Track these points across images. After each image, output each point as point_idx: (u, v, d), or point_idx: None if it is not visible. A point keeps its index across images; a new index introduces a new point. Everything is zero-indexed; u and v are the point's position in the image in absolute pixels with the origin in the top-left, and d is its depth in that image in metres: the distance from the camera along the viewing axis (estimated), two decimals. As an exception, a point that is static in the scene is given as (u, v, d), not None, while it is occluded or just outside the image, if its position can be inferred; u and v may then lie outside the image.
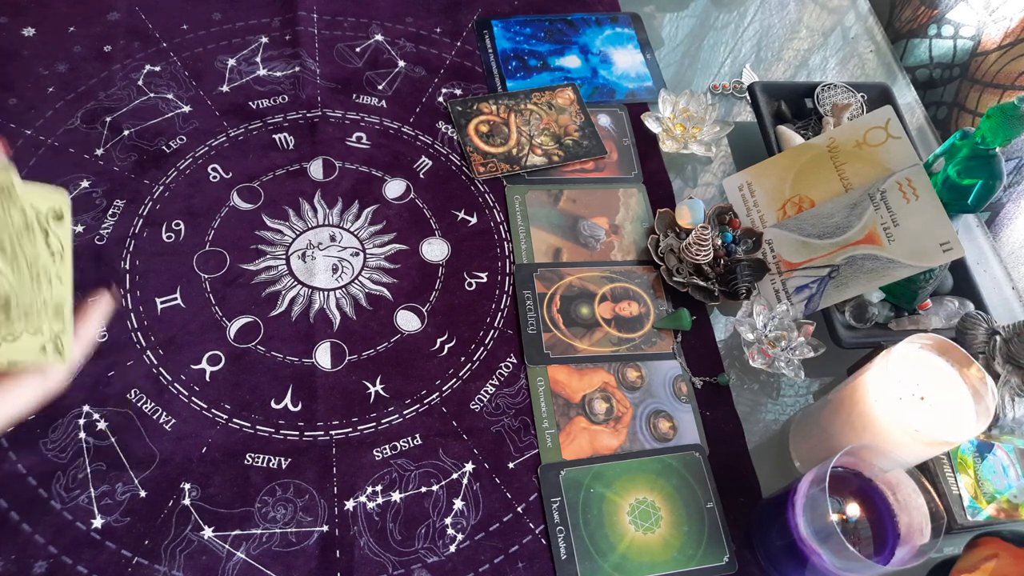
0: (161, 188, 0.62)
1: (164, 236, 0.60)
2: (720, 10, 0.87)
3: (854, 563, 0.44)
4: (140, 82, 0.68)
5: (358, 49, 0.74)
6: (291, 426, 0.53)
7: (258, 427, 0.53)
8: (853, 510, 0.48)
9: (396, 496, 0.51)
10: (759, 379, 0.61)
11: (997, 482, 0.55)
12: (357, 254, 0.62)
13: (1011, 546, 0.47)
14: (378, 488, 0.52)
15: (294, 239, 0.61)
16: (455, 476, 0.53)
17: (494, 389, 0.57)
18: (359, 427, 0.54)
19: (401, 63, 0.73)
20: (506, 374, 0.58)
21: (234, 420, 0.53)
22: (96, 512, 0.48)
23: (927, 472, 0.55)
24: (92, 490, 0.49)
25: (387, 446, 0.53)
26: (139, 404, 0.52)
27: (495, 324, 0.60)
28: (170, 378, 0.54)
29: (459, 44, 0.76)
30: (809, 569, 0.48)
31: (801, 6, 0.89)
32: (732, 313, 0.64)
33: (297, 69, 0.70)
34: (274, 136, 0.67)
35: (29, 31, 0.69)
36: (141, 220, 0.60)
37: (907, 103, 0.81)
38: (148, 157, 0.63)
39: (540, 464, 0.54)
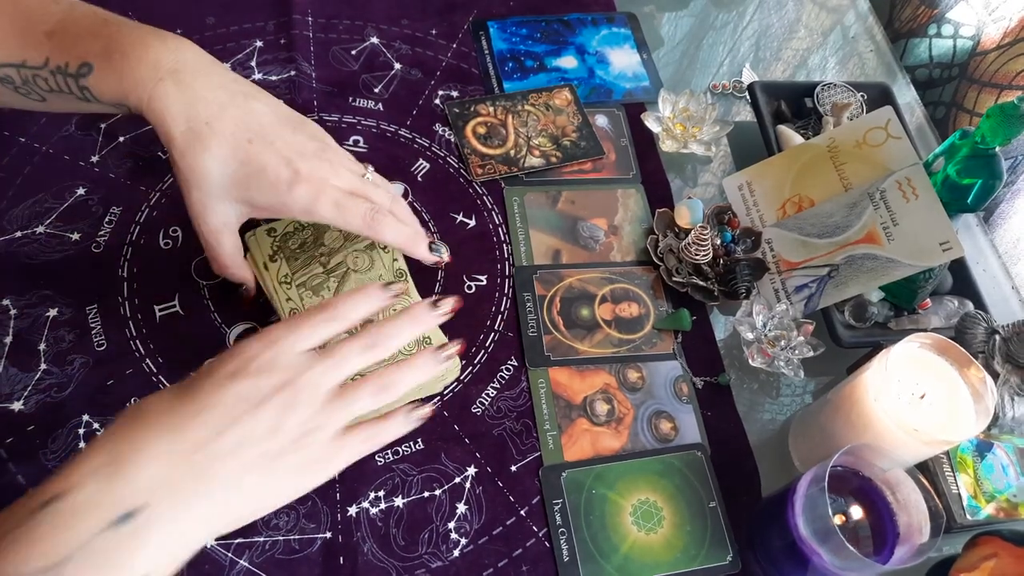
0: (157, 195, 0.62)
1: (161, 243, 0.60)
2: (719, 9, 0.86)
3: (854, 562, 0.44)
4: (135, 87, 0.67)
5: (353, 52, 0.73)
6: (292, 432, 0.53)
7: (259, 434, 0.53)
8: (853, 510, 0.48)
9: (399, 501, 0.51)
10: (759, 379, 0.61)
11: (997, 481, 0.55)
12: (356, 258, 0.61)
13: (1010, 545, 0.47)
14: (380, 493, 0.52)
15: (293, 244, 0.61)
16: (457, 480, 0.53)
17: (495, 392, 0.57)
18: (360, 432, 0.54)
19: (397, 65, 0.73)
20: (507, 377, 0.58)
21: (235, 427, 0.53)
22: (98, 521, 0.48)
23: (927, 472, 0.55)
24: (94, 499, 0.49)
25: (389, 451, 0.53)
26: (140, 412, 0.52)
27: (495, 327, 0.60)
28: (170, 386, 0.54)
29: (455, 46, 0.76)
30: (809, 569, 0.48)
31: (800, 6, 0.88)
32: (732, 313, 0.64)
33: (292, 73, 0.70)
34: (271, 140, 0.66)
35: (23, 36, 0.68)
36: (138, 227, 0.60)
37: (907, 103, 0.81)
38: (144, 164, 0.63)
39: (542, 466, 0.54)
